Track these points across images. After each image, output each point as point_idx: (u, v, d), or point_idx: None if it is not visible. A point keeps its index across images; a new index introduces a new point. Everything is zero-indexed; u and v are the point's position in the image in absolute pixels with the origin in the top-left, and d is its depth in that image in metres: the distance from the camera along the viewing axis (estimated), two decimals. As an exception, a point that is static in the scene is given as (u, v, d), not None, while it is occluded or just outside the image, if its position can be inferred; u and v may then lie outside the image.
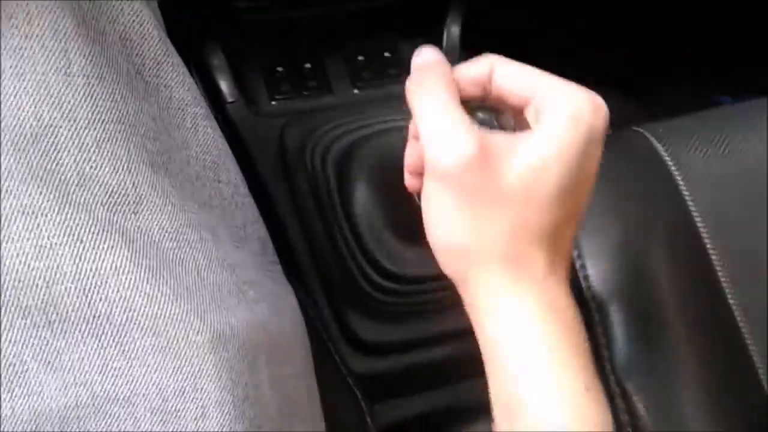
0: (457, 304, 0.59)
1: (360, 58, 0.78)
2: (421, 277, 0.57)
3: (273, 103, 0.73)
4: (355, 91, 0.76)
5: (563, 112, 0.33)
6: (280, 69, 0.75)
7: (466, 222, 0.33)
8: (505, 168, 0.32)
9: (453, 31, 0.79)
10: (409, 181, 0.39)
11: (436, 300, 0.58)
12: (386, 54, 0.78)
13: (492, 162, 0.32)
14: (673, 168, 0.63)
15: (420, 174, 0.36)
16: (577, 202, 0.34)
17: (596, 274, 0.54)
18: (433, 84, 0.35)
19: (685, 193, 0.61)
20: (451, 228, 0.34)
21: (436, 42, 0.79)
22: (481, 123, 0.37)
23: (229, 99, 0.72)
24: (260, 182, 0.66)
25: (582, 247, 0.54)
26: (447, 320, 0.60)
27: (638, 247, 0.55)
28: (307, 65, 0.76)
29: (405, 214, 0.54)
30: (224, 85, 0.73)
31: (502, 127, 0.38)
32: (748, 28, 1.05)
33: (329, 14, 0.79)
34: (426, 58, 0.37)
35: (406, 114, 0.71)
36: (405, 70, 0.82)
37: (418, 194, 0.39)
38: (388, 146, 0.60)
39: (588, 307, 0.53)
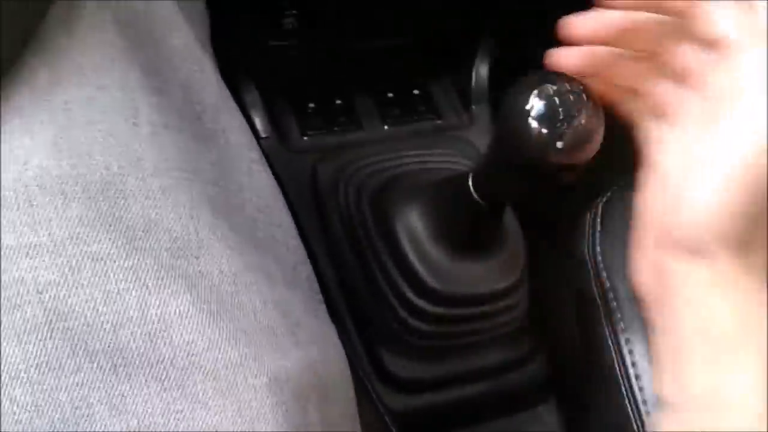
0: (491, 341, 0.60)
1: (389, 95, 0.79)
2: (468, 295, 0.57)
3: (305, 138, 0.75)
4: (385, 127, 0.77)
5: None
6: (311, 105, 0.77)
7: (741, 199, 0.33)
8: None
9: (481, 71, 0.80)
10: (574, 55, 0.38)
11: (475, 332, 0.58)
12: (415, 91, 0.80)
13: None
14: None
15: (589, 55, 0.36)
16: None
17: (630, 315, 0.54)
18: None
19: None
20: (720, 198, 0.33)
21: (465, 82, 0.80)
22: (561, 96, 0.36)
23: (263, 134, 0.73)
24: (293, 216, 0.67)
25: (616, 290, 0.55)
26: (482, 357, 0.60)
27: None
28: (338, 101, 0.77)
29: (455, 228, 0.54)
30: (258, 121, 0.74)
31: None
32: None
33: (359, 52, 0.80)
34: None
35: (436, 151, 0.71)
36: (433, 107, 0.83)
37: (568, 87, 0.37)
38: (426, 181, 0.60)
39: (619, 345, 0.54)
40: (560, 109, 0.37)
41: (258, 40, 0.73)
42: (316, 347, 0.41)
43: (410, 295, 0.58)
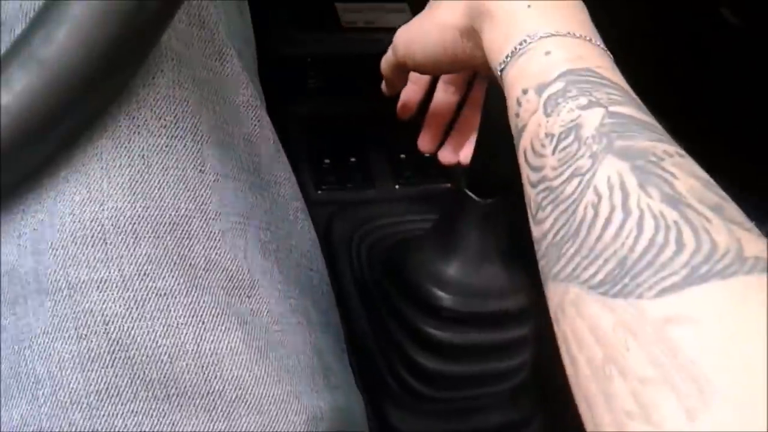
0: (492, 403, 0.61)
1: (402, 156, 0.82)
2: (478, 345, 0.58)
3: (318, 192, 0.77)
4: (396, 187, 0.80)
5: None
6: (326, 161, 0.79)
7: None
8: None
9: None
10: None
11: (485, 395, 0.60)
12: (426, 154, 0.83)
13: None
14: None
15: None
16: None
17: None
18: None
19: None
20: None
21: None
22: None
23: (281, 185, 0.76)
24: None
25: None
26: (482, 419, 0.62)
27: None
28: (352, 159, 0.80)
29: (462, 242, 0.55)
30: (277, 173, 0.77)
31: None
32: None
33: (377, 112, 0.84)
34: None
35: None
36: (443, 171, 0.86)
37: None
38: (438, 239, 0.62)
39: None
40: None
41: (283, 97, 0.76)
42: (343, 393, 0.43)
43: (420, 357, 0.59)
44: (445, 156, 0.60)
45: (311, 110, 0.80)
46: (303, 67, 0.76)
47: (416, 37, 0.45)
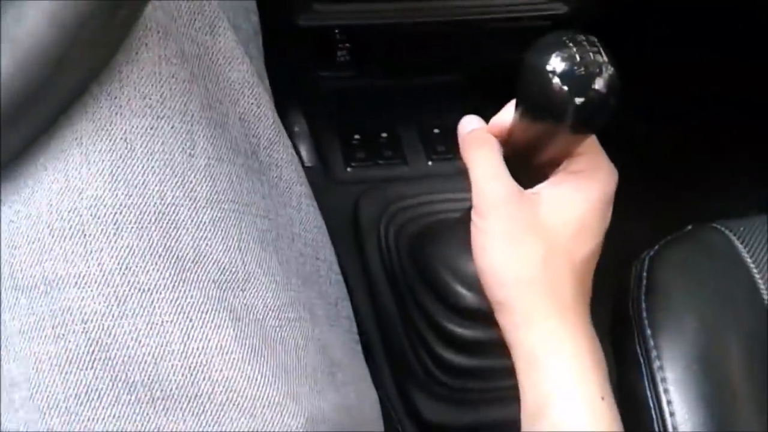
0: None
1: (435, 131, 0.79)
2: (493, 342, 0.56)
3: (348, 170, 0.75)
4: (429, 163, 0.76)
5: (599, 187, 0.40)
6: (357, 137, 0.77)
7: (506, 247, 0.39)
8: (541, 207, 0.39)
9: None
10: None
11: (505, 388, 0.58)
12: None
13: (527, 201, 0.39)
14: (753, 268, 0.62)
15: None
16: (596, 244, 0.40)
17: (674, 377, 0.53)
18: (481, 146, 0.41)
19: (765, 294, 0.60)
20: (493, 252, 0.39)
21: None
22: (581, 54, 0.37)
23: (308, 164, 0.73)
24: (333, 246, 0.67)
25: (660, 349, 0.53)
26: (512, 409, 0.59)
27: (716, 350, 0.54)
28: (384, 135, 0.77)
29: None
30: (303, 150, 0.74)
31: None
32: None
33: (408, 87, 0.80)
34: (471, 126, 0.43)
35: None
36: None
37: None
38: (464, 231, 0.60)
39: (661, 409, 0.52)
40: (581, 68, 0.37)
41: (311, 71, 0.73)
42: (353, 389, 0.40)
43: (442, 351, 0.57)
44: None
45: (340, 84, 0.77)
46: (331, 40, 0.73)
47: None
